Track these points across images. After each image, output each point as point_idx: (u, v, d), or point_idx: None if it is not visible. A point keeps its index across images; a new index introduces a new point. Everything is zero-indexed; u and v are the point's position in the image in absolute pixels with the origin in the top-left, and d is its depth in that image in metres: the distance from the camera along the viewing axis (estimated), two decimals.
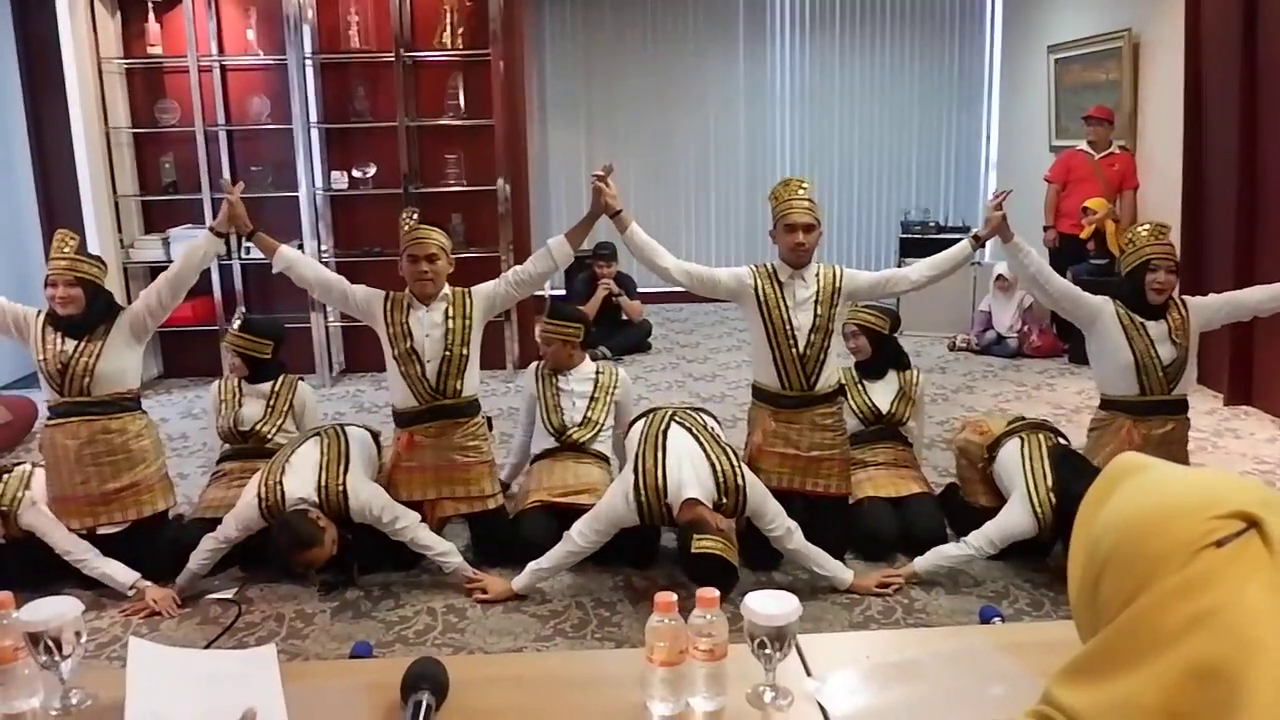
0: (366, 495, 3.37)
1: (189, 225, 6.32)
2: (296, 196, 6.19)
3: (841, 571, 3.27)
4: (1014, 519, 3.22)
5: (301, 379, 4.13)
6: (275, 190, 6.30)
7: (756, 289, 3.47)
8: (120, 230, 6.24)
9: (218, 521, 3.42)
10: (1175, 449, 3.49)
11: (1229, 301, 3.62)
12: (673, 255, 3.57)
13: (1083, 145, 6.65)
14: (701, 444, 3.28)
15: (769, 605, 1.38)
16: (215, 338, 6.16)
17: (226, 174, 6.30)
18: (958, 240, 7.78)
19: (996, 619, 3.00)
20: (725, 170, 9.08)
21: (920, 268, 3.61)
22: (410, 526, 3.37)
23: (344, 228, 6.49)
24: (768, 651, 1.38)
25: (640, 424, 3.50)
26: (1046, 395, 5.80)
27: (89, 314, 3.42)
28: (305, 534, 3.19)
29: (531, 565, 3.26)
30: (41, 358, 3.40)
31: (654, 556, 3.55)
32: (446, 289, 3.56)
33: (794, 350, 3.43)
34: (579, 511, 3.36)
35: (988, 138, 9.01)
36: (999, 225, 3.53)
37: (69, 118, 5.94)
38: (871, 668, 1.51)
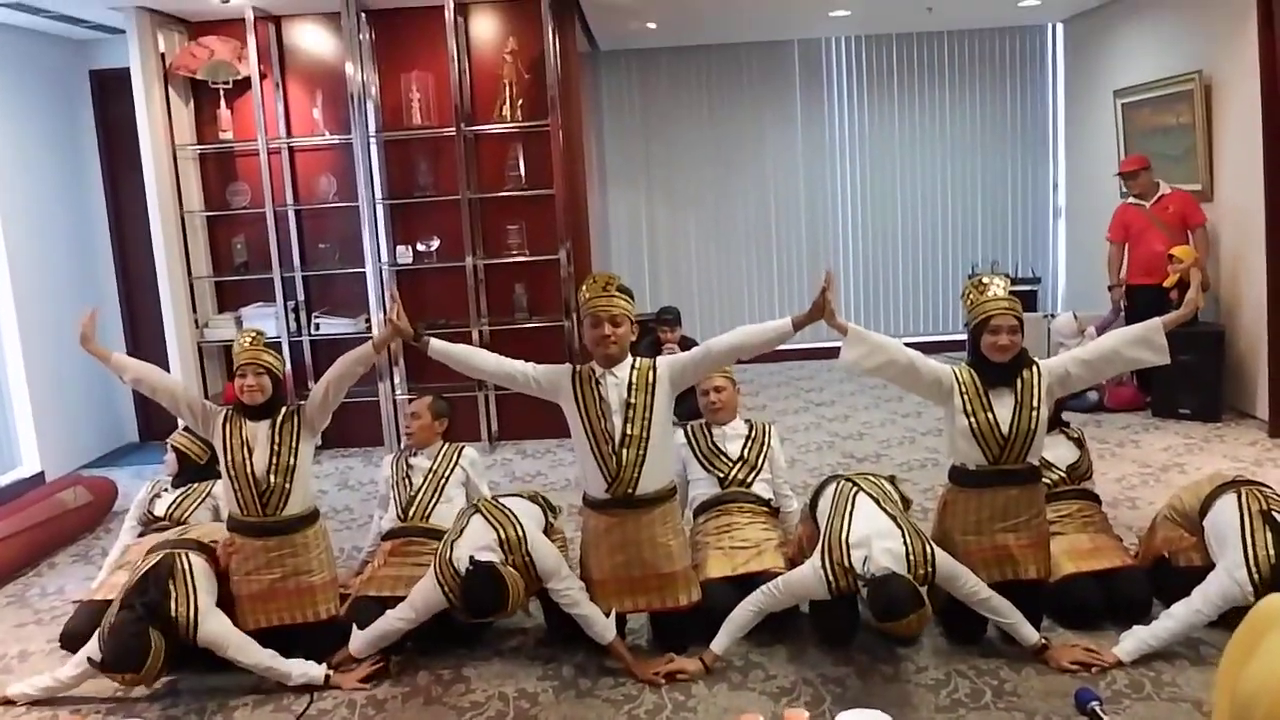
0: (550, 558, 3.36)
1: (260, 304, 6.47)
2: (364, 272, 6.30)
3: (1031, 633, 3.17)
4: (1229, 584, 3.05)
5: None
6: (343, 266, 6.42)
7: (574, 389, 3.36)
8: (195, 310, 6.39)
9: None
10: (1027, 518, 3.28)
11: (1075, 361, 3.31)
12: (492, 355, 3.49)
13: (1131, 200, 6.53)
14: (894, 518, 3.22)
15: None
16: None
17: (296, 252, 6.45)
18: (1029, 291, 7.80)
19: (1095, 704, 2.84)
20: (786, 227, 9.02)
21: (726, 340, 3.37)
22: (574, 590, 3.33)
23: (410, 301, 6.52)
24: None
25: (829, 492, 3.47)
26: (1131, 453, 5.58)
27: (272, 401, 3.54)
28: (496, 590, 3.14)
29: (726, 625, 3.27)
30: (231, 472, 3.47)
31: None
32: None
33: (611, 446, 3.30)
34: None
35: (1055, 185, 8.84)
36: (821, 312, 3.29)
37: (146, 202, 6.15)
38: None
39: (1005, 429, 3.24)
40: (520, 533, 3.32)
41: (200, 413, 3.57)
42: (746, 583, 3.42)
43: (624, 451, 3.29)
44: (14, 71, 6.12)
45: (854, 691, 3.10)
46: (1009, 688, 3.06)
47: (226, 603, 3.45)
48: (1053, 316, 7.19)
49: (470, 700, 3.21)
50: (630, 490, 3.32)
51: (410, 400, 4.28)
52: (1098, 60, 7.89)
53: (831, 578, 3.12)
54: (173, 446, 4.31)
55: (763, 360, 6.97)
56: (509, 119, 6.29)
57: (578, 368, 3.41)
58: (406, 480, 3.93)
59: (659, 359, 3.44)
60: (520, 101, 6.29)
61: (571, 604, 3.31)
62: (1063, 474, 3.79)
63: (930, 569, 3.08)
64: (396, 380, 6.44)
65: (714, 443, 3.90)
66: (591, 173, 7.52)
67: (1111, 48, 7.65)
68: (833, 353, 9.26)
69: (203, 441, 4.14)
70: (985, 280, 3.37)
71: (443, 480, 3.91)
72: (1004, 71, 8.79)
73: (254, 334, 3.63)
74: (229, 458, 3.47)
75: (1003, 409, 3.25)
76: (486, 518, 3.39)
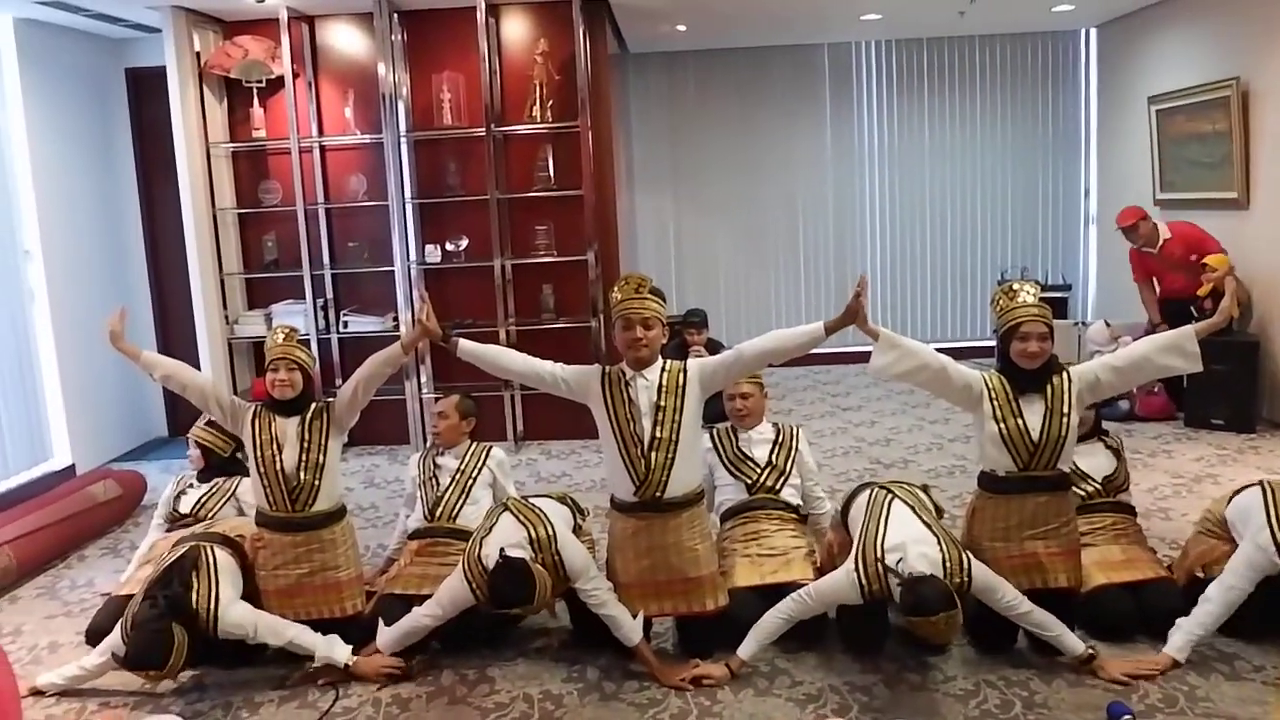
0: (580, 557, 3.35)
1: (290, 301, 6.51)
2: (392, 270, 6.32)
3: (1076, 644, 3.13)
4: (1253, 550, 3.09)
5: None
6: (371, 265, 6.45)
7: (603, 391, 3.35)
8: (225, 306, 6.44)
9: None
10: (1056, 525, 3.28)
11: (1105, 367, 3.29)
12: (520, 355, 3.47)
13: (1141, 248, 6.48)
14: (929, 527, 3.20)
15: None
16: None
17: (326, 250, 6.48)
18: (1059, 298, 7.73)
19: (1127, 717, 2.80)
20: (813, 231, 8.98)
21: (757, 345, 3.36)
22: (602, 590, 3.31)
23: (438, 300, 6.51)
24: None
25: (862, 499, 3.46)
26: (1164, 463, 5.50)
27: (302, 397, 3.56)
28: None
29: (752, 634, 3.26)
30: (261, 468, 3.50)
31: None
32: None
33: (639, 449, 3.30)
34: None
35: (1086, 192, 8.75)
36: (854, 317, 3.24)
37: (179, 199, 6.20)
38: None
39: (1035, 435, 3.22)
40: (550, 531, 3.32)
41: (229, 409, 3.59)
42: (774, 592, 3.41)
43: (652, 454, 3.29)
44: (51, 69, 6.19)
45: (881, 700, 3.07)
46: (1039, 699, 3.02)
47: (253, 598, 3.48)
48: (1084, 324, 7.12)
49: (494, 701, 3.20)
50: (658, 494, 3.31)
51: (437, 399, 4.27)
52: (1132, 66, 7.80)
53: (864, 581, 3.10)
54: (195, 441, 4.32)
55: (789, 364, 6.91)
56: (539, 120, 6.30)
57: (607, 369, 3.40)
58: (433, 481, 3.92)
59: (689, 362, 3.42)
60: (550, 103, 6.30)
61: (599, 604, 3.30)
62: (1098, 486, 3.73)
63: (966, 578, 3.04)
64: (423, 379, 6.46)
65: (740, 448, 3.88)
66: (619, 175, 7.51)
67: (1146, 53, 7.57)
68: (860, 357, 9.18)
69: (225, 434, 4.15)
70: (1015, 287, 3.37)
71: (470, 481, 3.91)
72: (1036, 77, 8.72)
73: (287, 330, 3.65)
74: (258, 453, 3.49)
75: (1033, 415, 3.24)
76: (516, 516, 3.39)
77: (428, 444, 4.00)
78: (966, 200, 8.90)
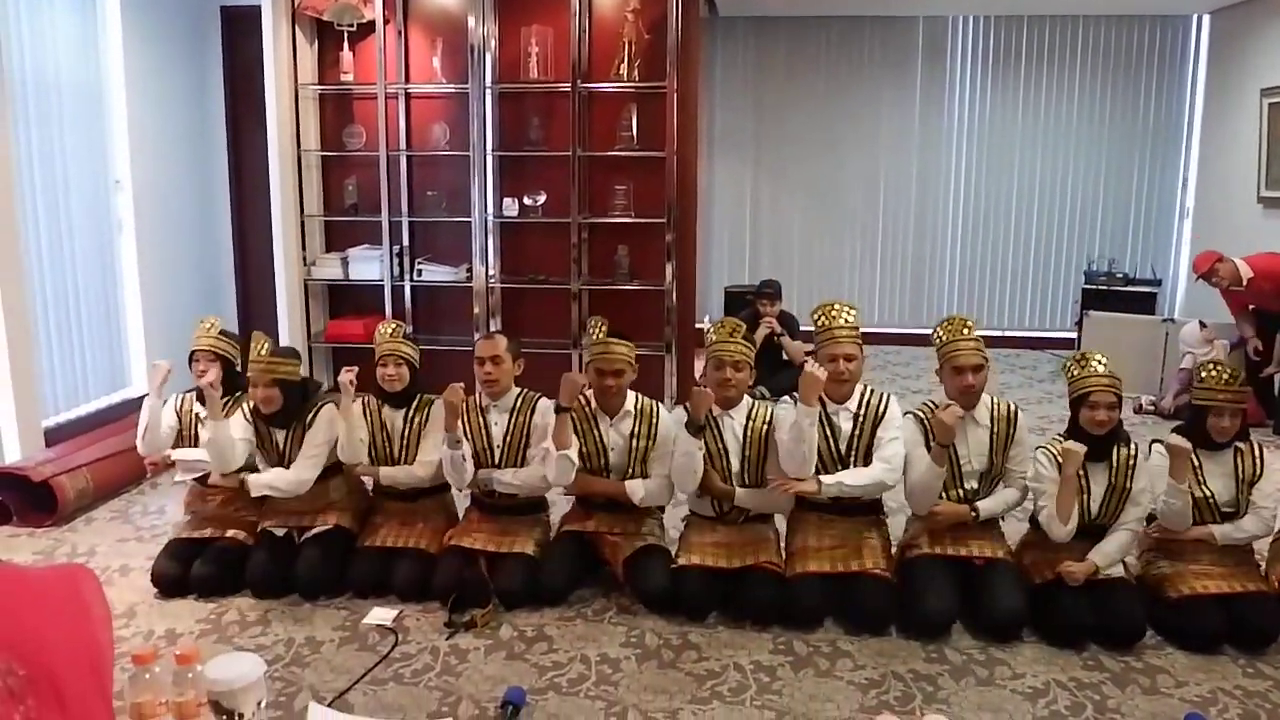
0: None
1: (366, 246, 6.55)
2: (469, 222, 6.32)
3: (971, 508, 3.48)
4: None
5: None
6: (449, 215, 6.45)
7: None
8: (304, 248, 6.50)
9: None
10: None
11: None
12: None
13: (1229, 288, 6.11)
14: None
15: None
16: None
17: (405, 198, 6.49)
18: (1148, 293, 7.48)
19: None
20: (894, 210, 8.78)
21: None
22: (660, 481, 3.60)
23: (511, 254, 6.58)
24: None
25: None
26: None
27: (409, 388, 3.84)
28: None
29: None
30: (374, 453, 3.86)
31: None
32: (630, 402, 3.69)
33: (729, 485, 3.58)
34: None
35: (1184, 184, 8.42)
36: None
37: (265, 138, 6.25)
38: None
39: (1095, 509, 3.37)
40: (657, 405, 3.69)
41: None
42: (841, 579, 3.43)
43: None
44: (151, 3, 6.24)
45: (946, 691, 3.00)
46: (1112, 705, 2.92)
47: (363, 519, 3.90)
48: (1172, 321, 6.86)
49: (552, 660, 3.20)
50: (739, 519, 3.64)
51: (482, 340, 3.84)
52: (1245, 55, 7.45)
53: (917, 414, 3.62)
54: (213, 353, 3.81)
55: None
56: (625, 78, 6.21)
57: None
58: (486, 451, 3.73)
59: (775, 410, 3.51)
60: (638, 62, 6.20)
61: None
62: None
63: (1014, 407, 3.58)
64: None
65: (827, 426, 3.48)
66: (701, 140, 7.39)
67: (1262, 43, 7.21)
68: (924, 339, 8.95)
69: (230, 338, 3.93)
70: (1086, 355, 3.47)
71: (521, 445, 3.70)
72: (1140, 62, 8.37)
73: (393, 325, 3.84)
74: (373, 439, 3.85)
75: (1096, 487, 3.35)
76: None
77: (476, 394, 3.84)
78: (1056, 185, 8.61)
